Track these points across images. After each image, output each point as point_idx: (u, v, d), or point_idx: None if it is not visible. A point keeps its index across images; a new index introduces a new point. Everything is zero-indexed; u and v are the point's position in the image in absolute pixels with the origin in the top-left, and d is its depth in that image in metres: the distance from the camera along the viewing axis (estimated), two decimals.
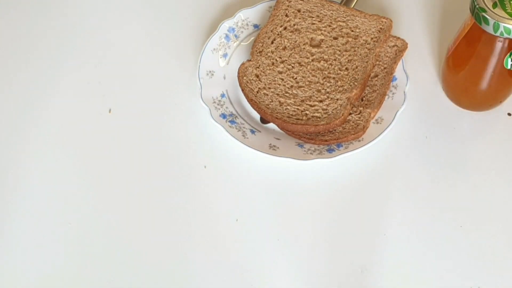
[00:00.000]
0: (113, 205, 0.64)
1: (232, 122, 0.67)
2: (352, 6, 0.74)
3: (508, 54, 0.60)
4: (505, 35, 0.57)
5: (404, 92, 0.68)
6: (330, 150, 0.65)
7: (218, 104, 0.68)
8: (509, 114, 0.69)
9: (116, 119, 0.70)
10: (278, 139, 0.66)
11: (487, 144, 0.68)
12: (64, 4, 0.79)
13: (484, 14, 0.57)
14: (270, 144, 0.65)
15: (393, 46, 0.70)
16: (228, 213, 0.63)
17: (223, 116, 0.67)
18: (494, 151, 0.68)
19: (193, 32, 0.76)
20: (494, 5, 0.57)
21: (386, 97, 0.68)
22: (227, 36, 0.73)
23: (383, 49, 0.70)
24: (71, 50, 0.75)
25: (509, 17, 0.57)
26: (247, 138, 0.65)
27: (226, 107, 0.68)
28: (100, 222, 0.63)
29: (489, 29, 0.58)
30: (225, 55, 0.72)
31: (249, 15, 0.74)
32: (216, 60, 0.71)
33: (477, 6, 0.58)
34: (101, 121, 0.70)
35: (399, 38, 0.71)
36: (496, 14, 0.57)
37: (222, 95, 0.69)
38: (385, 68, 0.69)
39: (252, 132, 0.66)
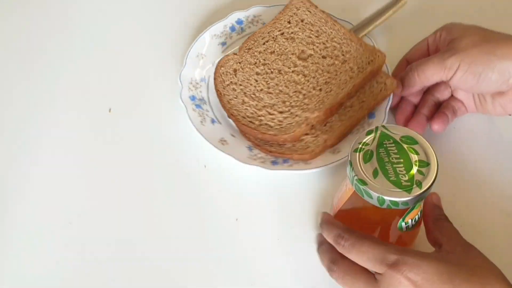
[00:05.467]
0: (113, 204, 0.64)
1: (197, 106, 0.68)
2: (360, 36, 0.72)
3: (401, 219, 0.52)
4: (393, 207, 0.49)
5: None
6: (274, 163, 0.64)
7: (193, 86, 0.69)
8: (509, 114, 0.67)
9: (116, 119, 0.70)
10: (233, 136, 0.67)
11: (487, 144, 0.67)
12: (64, 4, 0.80)
13: (365, 187, 0.49)
14: (222, 138, 0.66)
15: (381, 82, 0.68)
16: (228, 213, 0.63)
17: (192, 98, 0.69)
18: (494, 151, 0.67)
19: (193, 31, 0.77)
20: (375, 173, 0.49)
21: (356, 131, 0.67)
22: (233, 27, 0.74)
23: (369, 82, 0.68)
24: (71, 50, 0.76)
25: (394, 186, 0.49)
26: (203, 125, 0.66)
27: (200, 91, 0.70)
28: (100, 221, 0.63)
29: (374, 202, 0.49)
30: (223, 44, 0.73)
31: (262, 13, 0.75)
32: (213, 46, 0.73)
33: (355, 178, 0.49)
34: (101, 121, 0.70)
35: (389, 76, 0.68)
36: (379, 186, 0.49)
37: (202, 79, 0.70)
38: (363, 102, 0.67)
39: (213, 121, 0.68)
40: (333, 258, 0.54)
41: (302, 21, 0.71)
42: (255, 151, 0.66)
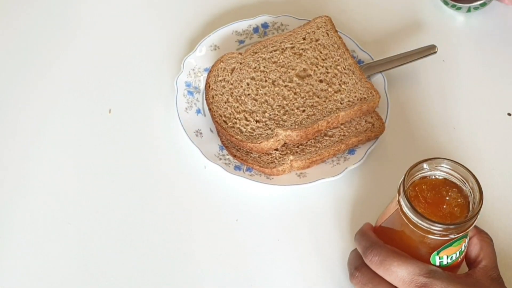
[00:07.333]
0: (112, 204, 0.64)
1: (190, 92, 0.69)
2: (367, 76, 0.69)
3: (436, 252, 0.51)
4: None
5: (347, 168, 0.64)
6: (237, 168, 0.65)
7: (194, 73, 0.71)
8: (509, 114, 0.69)
9: (116, 119, 0.70)
10: (212, 131, 0.68)
11: (487, 144, 0.68)
12: (65, 6, 0.81)
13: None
14: (199, 130, 0.67)
15: (370, 122, 0.66)
16: (228, 213, 0.64)
17: (188, 84, 0.70)
18: (494, 151, 0.67)
19: (192, 30, 0.77)
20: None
21: (330, 161, 0.65)
22: (257, 28, 0.75)
23: (357, 118, 0.66)
24: (70, 50, 0.76)
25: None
26: (187, 113, 0.68)
27: (199, 80, 0.71)
28: (100, 221, 0.63)
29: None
30: (241, 41, 0.74)
31: (290, 23, 0.75)
32: (230, 41, 0.74)
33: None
34: (101, 121, 0.70)
35: (381, 118, 0.66)
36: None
37: (206, 69, 0.72)
38: (344, 135, 0.65)
39: (198, 111, 0.69)
40: (358, 265, 0.54)
41: (316, 40, 0.70)
42: (225, 151, 0.66)
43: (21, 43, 0.77)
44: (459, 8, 0.77)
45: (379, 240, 0.53)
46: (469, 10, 0.77)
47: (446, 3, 0.78)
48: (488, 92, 0.72)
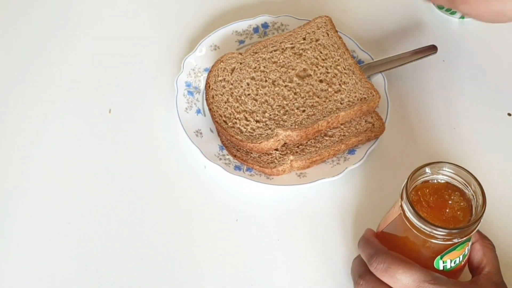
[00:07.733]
0: (112, 205, 0.64)
1: (190, 93, 0.69)
2: (367, 76, 0.69)
3: (439, 256, 0.51)
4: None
5: (347, 168, 0.64)
6: (237, 168, 0.65)
7: (194, 73, 0.71)
8: (509, 114, 0.70)
9: (116, 119, 0.70)
10: (212, 131, 0.68)
11: (487, 144, 0.68)
12: (66, 6, 0.81)
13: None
14: (199, 130, 0.67)
15: (370, 122, 0.66)
16: (228, 213, 0.64)
17: (188, 84, 0.70)
18: (494, 151, 0.67)
19: (192, 30, 0.77)
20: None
21: (330, 161, 0.65)
22: (257, 28, 0.75)
23: (357, 118, 0.66)
24: (70, 50, 0.76)
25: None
26: (187, 113, 0.68)
27: (199, 80, 0.71)
28: (100, 221, 0.63)
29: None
30: (241, 42, 0.74)
31: (290, 23, 0.75)
32: (230, 41, 0.74)
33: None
34: (101, 121, 0.70)
35: (381, 118, 0.66)
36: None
37: (206, 69, 0.72)
38: (344, 135, 0.65)
39: (198, 111, 0.69)
40: (362, 272, 0.53)
41: (316, 40, 0.71)
42: (225, 151, 0.66)
43: (21, 43, 0.77)
44: (453, 13, 0.77)
45: (383, 246, 0.53)
46: (462, 16, 0.77)
47: (440, 8, 0.78)
48: (488, 92, 0.72)
